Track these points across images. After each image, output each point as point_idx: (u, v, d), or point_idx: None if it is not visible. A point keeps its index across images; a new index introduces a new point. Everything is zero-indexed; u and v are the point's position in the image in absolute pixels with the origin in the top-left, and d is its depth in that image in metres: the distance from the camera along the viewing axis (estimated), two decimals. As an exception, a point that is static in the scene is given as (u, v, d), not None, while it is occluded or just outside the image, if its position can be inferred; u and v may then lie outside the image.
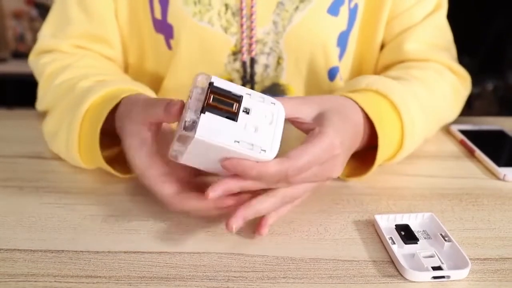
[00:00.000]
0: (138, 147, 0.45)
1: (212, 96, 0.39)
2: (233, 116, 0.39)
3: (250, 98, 0.40)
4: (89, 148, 0.52)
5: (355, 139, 0.50)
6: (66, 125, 0.54)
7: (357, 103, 0.52)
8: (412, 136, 0.55)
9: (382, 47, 0.72)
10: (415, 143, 0.58)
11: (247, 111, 0.40)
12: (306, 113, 0.46)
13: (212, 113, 0.38)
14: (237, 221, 0.42)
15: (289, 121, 0.47)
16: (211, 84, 0.39)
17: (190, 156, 0.41)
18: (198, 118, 0.38)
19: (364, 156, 0.56)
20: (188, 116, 0.39)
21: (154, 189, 0.45)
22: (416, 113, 0.56)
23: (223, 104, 0.39)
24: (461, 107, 0.71)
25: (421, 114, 0.57)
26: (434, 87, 0.63)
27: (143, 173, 0.45)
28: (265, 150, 0.39)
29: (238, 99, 0.40)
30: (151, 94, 0.58)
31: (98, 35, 0.69)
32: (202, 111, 0.38)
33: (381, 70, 0.72)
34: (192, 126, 0.38)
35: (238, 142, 0.39)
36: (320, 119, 0.46)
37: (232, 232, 0.43)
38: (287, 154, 0.42)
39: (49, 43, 0.69)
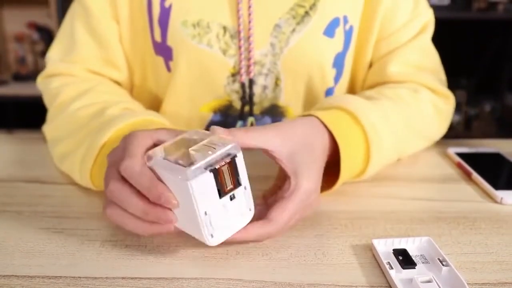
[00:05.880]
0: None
1: (226, 166, 0.41)
2: (222, 192, 0.41)
3: (244, 191, 0.43)
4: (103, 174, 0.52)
5: (322, 167, 0.52)
6: (85, 146, 0.55)
7: (319, 120, 0.53)
8: (379, 149, 0.56)
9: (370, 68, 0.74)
10: (384, 155, 0.58)
11: (232, 197, 0.42)
12: (277, 145, 0.48)
13: (213, 177, 0.40)
14: None
15: (262, 151, 0.48)
16: (234, 156, 0.41)
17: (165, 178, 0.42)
18: (203, 172, 0.40)
19: (331, 167, 0.56)
20: (199, 159, 0.40)
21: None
22: (378, 122, 0.56)
23: (225, 178, 0.41)
24: (448, 124, 0.72)
25: (387, 125, 0.58)
26: (407, 102, 0.64)
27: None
28: (212, 236, 0.42)
29: (237, 185, 0.42)
30: (167, 124, 0.59)
31: (106, 58, 0.70)
32: (211, 170, 0.40)
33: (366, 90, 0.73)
34: (194, 173, 0.39)
35: (206, 214, 0.41)
36: (292, 162, 0.48)
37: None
38: (269, 216, 0.45)
39: (59, 67, 0.69)
